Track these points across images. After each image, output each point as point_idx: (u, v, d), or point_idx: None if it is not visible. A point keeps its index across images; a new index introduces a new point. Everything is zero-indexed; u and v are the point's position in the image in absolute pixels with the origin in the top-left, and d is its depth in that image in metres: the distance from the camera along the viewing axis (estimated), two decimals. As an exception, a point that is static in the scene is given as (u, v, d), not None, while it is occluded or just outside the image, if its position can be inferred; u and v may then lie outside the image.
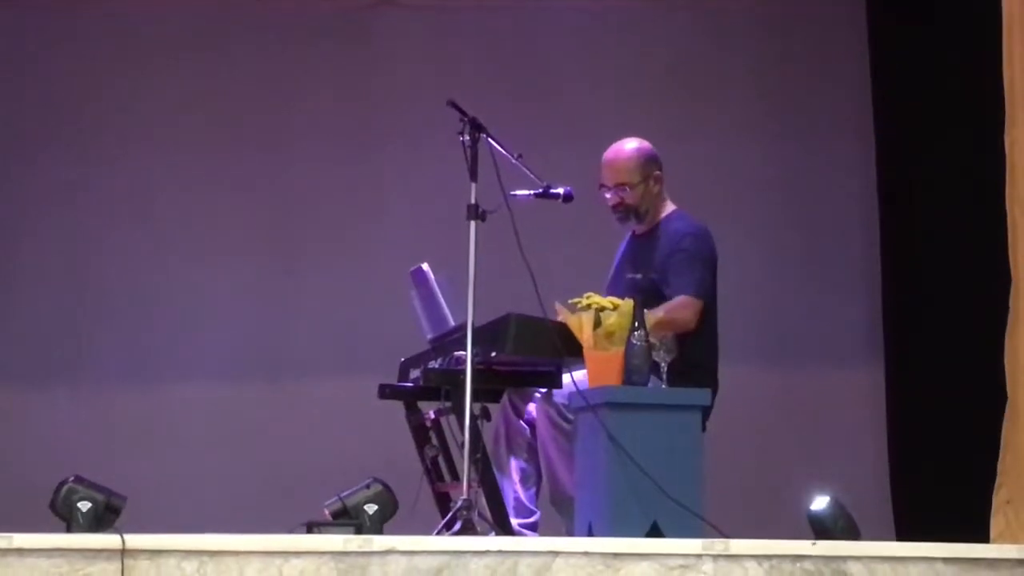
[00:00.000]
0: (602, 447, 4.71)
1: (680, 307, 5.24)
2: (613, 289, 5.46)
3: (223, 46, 7.62)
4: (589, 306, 4.93)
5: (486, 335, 5.14)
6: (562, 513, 5.27)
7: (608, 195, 5.51)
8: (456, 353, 5.18)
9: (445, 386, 5.22)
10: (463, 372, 4.99)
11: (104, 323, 7.46)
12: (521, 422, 5.44)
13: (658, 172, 5.51)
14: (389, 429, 5.77)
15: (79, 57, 7.57)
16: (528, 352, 5.19)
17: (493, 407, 5.36)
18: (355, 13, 7.69)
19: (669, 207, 5.55)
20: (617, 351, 4.85)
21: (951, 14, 6.88)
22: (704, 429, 4.99)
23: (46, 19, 7.59)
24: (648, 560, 4.31)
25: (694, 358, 5.21)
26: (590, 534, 4.72)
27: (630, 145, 5.54)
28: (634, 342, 4.83)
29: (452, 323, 5.37)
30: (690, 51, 7.66)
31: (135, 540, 4.17)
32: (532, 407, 5.41)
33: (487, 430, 5.26)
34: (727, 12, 7.65)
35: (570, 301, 5.00)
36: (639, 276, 5.44)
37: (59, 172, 7.53)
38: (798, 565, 4.36)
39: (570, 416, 5.15)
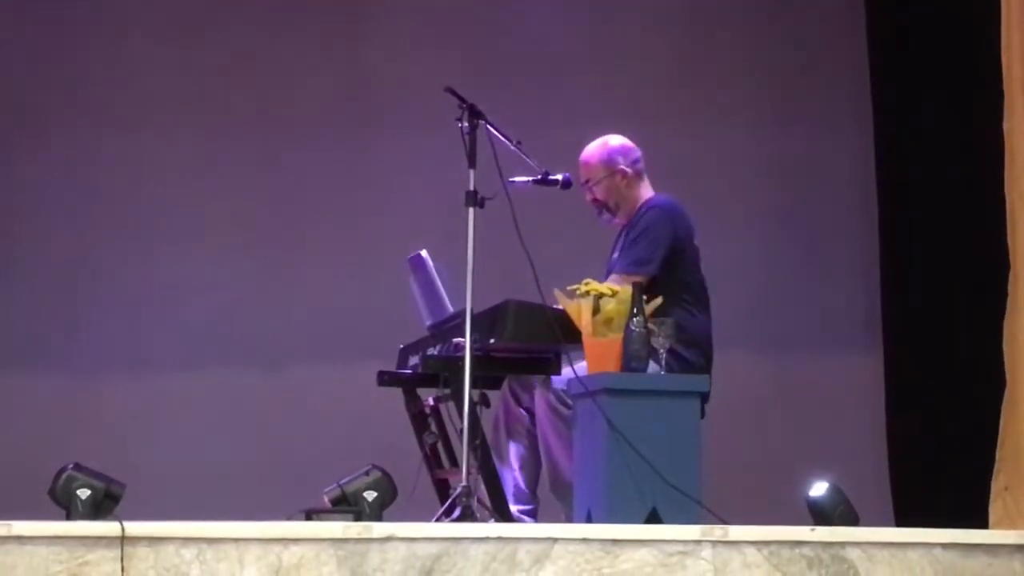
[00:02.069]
0: (601, 433, 4.72)
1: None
2: (606, 274, 5.52)
3: (219, 30, 7.61)
4: (588, 293, 4.93)
5: (485, 322, 5.14)
6: (561, 500, 5.27)
7: (584, 193, 5.60)
8: (455, 340, 5.18)
9: (444, 373, 5.22)
10: (462, 359, 4.99)
11: (102, 310, 7.46)
12: (521, 409, 5.45)
13: (623, 167, 5.54)
14: (388, 416, 5.77)
15: (75, 38, 7.57)
16: (527, 339, 5.19)
17: (492, 394, 5.36)
18: (353, -2, 7.70)
19: (647, 194, 5.58)
20: (616, 337, 4.85)
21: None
22: (703, 415, 5.00)
23: (41, 1, 7.59)
24: (647, 546, 4.31)
25: (683, 332, 5.18)
26: (589, 520, 4.72)
27: (595, 142, 5.62)
28: (633, 328, 4.83)
29: (451, 310, 5.38)
30: (688, 35, 7.66)
31: (134, 527, 4.17)
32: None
33: (486, 417, 5.26)
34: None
35: (569, 288, 5.00)
36: (616, 256, 5.49)
37: (55, 158, 7.53)
38: (797, 551, 4.36)
39: (569, 402, 5.16)
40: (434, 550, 4.23)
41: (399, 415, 5.63)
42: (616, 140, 5.60)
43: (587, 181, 5.57)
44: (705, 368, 5.31)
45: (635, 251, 5.37)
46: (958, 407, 6.58)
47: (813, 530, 4.44)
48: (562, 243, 6.63)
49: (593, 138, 5.65)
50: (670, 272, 5.33)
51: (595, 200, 5.58)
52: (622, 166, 5.55)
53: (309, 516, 4.61)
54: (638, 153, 5.59)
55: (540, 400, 5.31)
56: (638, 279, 5.17)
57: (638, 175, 5.57)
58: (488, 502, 5.12)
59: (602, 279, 5.27)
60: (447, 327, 5.35)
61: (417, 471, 5.40)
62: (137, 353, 7.44)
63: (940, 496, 6.34)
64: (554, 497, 5.34)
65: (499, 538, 4.27)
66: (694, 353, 5.31)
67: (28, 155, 7.52)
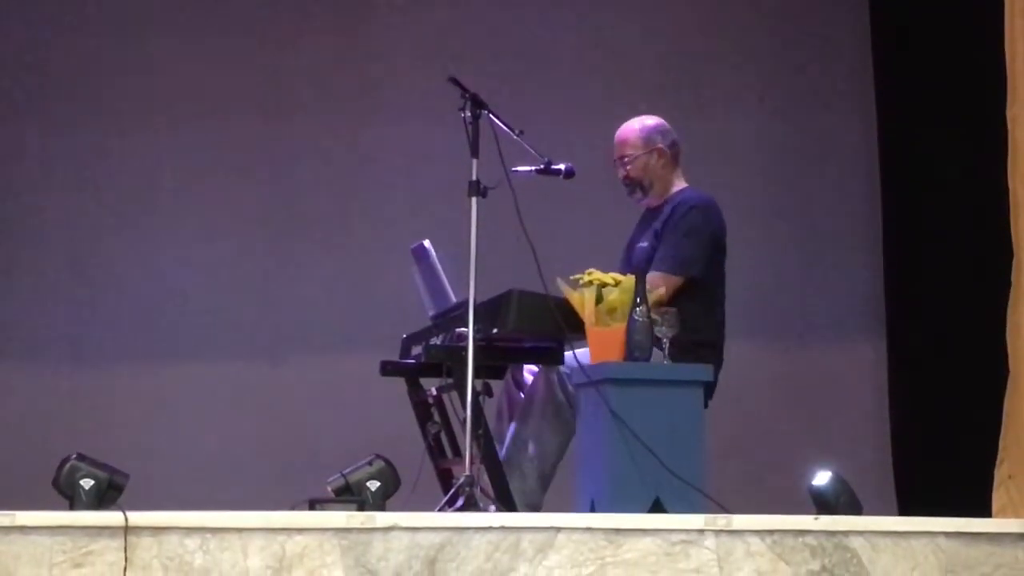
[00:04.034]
0: (604, 423, 4.71)
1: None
2: (625, 258, 5.56)
3: (221, 22, 7.61)
4: (591, 282, 4.93)
5: (488, 311, 5.14)
6: (508, 474, 5.22)
7: (619, 170, 5.59)
8: (458, 329, 5.18)
9: (447, 362, 5.22)
10: (465, 348, 4.99)
11: (106, 301, 7.47)
12: (522, 395, 5.45)
13: (662, 146, 5.57)
14: (391, 406, 5.78)
15: (78, 36, 7.56)
16: (530, 328, 5.19)
17: (495, 383, 5.37)
18: (355, -12, 7.69)
19: (681, 184, 5.60)
20: (619, 327, 4.85)
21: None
22: (707, 405, 4.99)
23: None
24: (650, 536, 4.30)
25: (698, 334, 5.22)
26: (592, 510, 4.72)
27: (636, 119, 5.64)
28: (636, 318, 4.83)
29: (454, 299, 5.37)
30: (689, 24, 7.65)
31: (138, 517, 4.16)
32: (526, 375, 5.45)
33: (489, 406, 5.26)
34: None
35: (572, 277, 5.00)
36: (645, 245, 5.48)
37: (61, 149, 7.53)
38: (800, 540, 4.36)
39: (571, 388, 5.17)
40: (437, 540, 4.23)
41: (402, 405, 5.63)
42: (655, 120, 5.62)
43: (622, 157, 5.56)
44: (717, 363, 5.31)
45: (677, 249, 5.36)
46: (961, 396, 6.57)
47: (816, 519, 4.44)
48: (565, 233, 6.63)
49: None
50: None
51: (628, 177, 5.57)
52: (660, 145, 5.56)
53: (312, 506, 4.61)
54: (675, 136, 5.61)
55: (542, 378, 5.30)
56: (679, 278, 5.26)
57: (675, 158, 5.60)
58: (491, 491, 5.12)
59: (606, 267, 5.28)
60: (450, 317, 5.34)
61: (420, 461, 5.38)
62: (141, 344, 7.44)
63: (943, 485, 6.34)
64: (504, 468, 5.26)
65: (502, 527, 4.27)
66: (707, 350, 5.31)
67: (37, 150, 7.52)
